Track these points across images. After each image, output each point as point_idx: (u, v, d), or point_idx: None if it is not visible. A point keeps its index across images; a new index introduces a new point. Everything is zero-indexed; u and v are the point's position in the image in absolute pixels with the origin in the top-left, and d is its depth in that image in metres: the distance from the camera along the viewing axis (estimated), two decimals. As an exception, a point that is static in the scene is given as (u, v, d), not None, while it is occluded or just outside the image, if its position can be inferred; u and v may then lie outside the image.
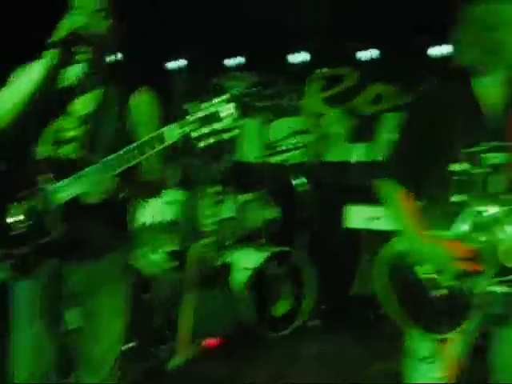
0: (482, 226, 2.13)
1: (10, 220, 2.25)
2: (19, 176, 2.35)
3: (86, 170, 2.20)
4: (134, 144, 2.19)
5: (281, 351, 4.37)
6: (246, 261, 4.60)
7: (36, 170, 2.29)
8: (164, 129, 2.16)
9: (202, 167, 4.80)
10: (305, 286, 4.77)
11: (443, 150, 2.19)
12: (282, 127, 5.86)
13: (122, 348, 3.81)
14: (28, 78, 2.22)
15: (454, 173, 2.18)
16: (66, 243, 2.25)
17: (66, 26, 2.25)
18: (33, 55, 2.31)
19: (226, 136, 2.14)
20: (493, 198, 2.15)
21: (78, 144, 2.33)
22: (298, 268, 4.78)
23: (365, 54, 5.82)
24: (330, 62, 6.02)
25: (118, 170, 2.19)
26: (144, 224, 4.56)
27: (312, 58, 6.05)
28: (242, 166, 5.78)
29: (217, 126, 2.11)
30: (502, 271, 2.10)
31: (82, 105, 2.38)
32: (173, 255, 4.70)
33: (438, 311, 2.17)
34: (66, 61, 2.26)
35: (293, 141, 5.33)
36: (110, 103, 2.38)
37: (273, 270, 4.66)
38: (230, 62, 6.32)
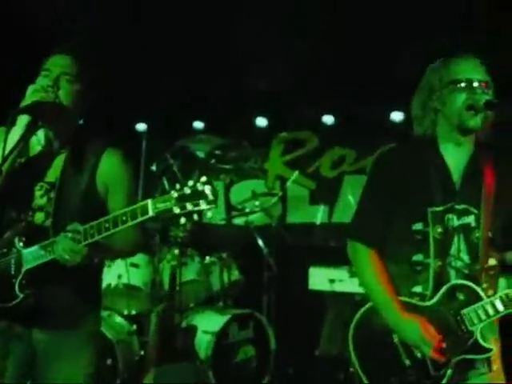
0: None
1: None
2: None
3: (57, 237, 2.19)
4: (110, 215, 2.17)
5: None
6: (207, 324, 4.56)
7: (10, 236, 2.30)
8: (146, 201, 2.12)
9: (165, 230, 4.80)
10: (268, 349, 4.74)
11: (405, 210, 2.22)
12: (244, 189, 5.94)
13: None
14: (2, 145, 2.21)
15: (416, 232, 2.21)
16: (32, 309, 2.24)
17: (30, 91, 2.26)
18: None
19: (208, 215, 2.09)
20: (453, 259, 2.17)
21: (47, 211, 2.33)
22: (261, 330, 4.75)
23: (325, 119, 5.99)
24: (291, 126, 6.17)
25: (89, 241, 2.17)
26: (108, 286, 4.52)
27: (274, 121, 6.20)
28: (205, 227, 5.79)
29: (203, 205, 2.06)
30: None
31: (50, 171, 2.38)
32: (134, 318, 4.65)
33: (403, 378, 2.16)
34: (32, 128, 2.27)
35: (256, 203, 5.37)
36: (76, 168, 2.37)
37: (236, 334, 4.63)
38: (194, 124, 6.41)
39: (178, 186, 2.08)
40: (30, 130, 2.27)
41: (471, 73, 2.21)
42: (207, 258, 5.02)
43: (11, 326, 2.32)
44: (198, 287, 4.85)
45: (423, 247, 2.19)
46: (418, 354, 2.14)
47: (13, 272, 2.23)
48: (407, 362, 2.15)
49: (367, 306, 2.25)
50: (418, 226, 2.20)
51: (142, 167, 6.49)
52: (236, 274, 5.06)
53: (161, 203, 2.09)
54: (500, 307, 2.12)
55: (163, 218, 2.17)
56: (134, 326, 4.56)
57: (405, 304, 2.18)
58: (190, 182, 2.07)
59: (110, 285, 4.55)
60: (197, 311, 4.76)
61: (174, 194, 2.07)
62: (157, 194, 5.80)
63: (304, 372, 4.99)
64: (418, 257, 2.21)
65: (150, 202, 2.11)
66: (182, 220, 2.07)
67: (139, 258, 4.66)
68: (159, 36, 5.15)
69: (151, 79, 5.70)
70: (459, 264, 2.18)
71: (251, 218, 5.27)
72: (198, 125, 6.40)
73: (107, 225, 2.15)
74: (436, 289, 2.18)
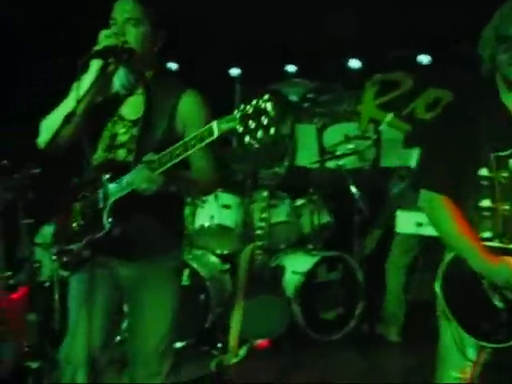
0: None
1: (68, 219, 2.43)
2: (77, 180, 2.55)
3: (133, 170, 2.32)
4: (181, 141, 2.26)
5: (331, 355, 4.41)
6: (297, 265, 4.66)
7: (92, 174, 2.45)
8: (212, 123, 2.17)
9: (256, 171, 4.89)
10: (357, 291, 4.79)
11: (470, 156, 2.20)
12: (337, 133, 5.88)
13: (177, 345, 3.98)
14: (78, 89, 2.33)
15: (482, 177, 2.19)
16: (119, 240, 2.39)
17: (101, 38, 2.36)
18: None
19: (271, 131, 2.08)
20: None
21: (129, 147, 2.45)
22: (350, 273, 4.80)
23: (420, 58, 5.78)
24: (385, 67, 6.00)
25: (163, 168, 2.26)
26: (201, 226, 4.70)
27: (368, 63, 6.05)
28: (297, 170, 5.83)
29: (264, 120, 2.06)
30: None
31: (131, 110, 2.49)
32: (226, 257, 4.83)
33: (497, 320, 2.15)
34: (108, 70, 2.37)
35: (348, 146, 5.33)
36: (157, 107, 2.46)
37: (324, 275, 4.70)
38: (286, 68, 6.38)
39: (241, 106, 2.11)
40: (103, 73, 2.36)
41: None
42: (298, 200, 5.08)
43: (100, 259, 2.46)
44: (288, 229, 4.94)
45: (489, 192, 2.19)
46: (510, 295, 2.14)
47: (101, 205, 2.38)
48: (500, 304, 2.15)
49: (452, 254, 2.23)
50: (484, 172, 2.19)
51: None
52: (326, 217, 5.10)
53: (225, 124, 2.14)
54: None
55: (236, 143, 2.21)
56: (227, 265, 4.75)
57: (490, 248, 2.17)
58: (253, 101, 2.09)
59: (203, 225, 4.73)
60: (286, 252, 4.87)
61: (238, 114, 2.11)
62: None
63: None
64: (485, 202, 2.20)
65: (215, 123, 2.16)
66: (247, 138, 2.10)
67: (231, 199, 4.80)
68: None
69: (244, 23, 5.71)
70: None
71: (343, 161, 5.24)
72: (291, 68, 6.37)
73: (178, 151, 2.24)
74: (506, 233, 2.16)
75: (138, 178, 2.29)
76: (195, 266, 4.46)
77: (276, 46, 5.93)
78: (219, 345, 4.31)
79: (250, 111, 2.08)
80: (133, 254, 2.47)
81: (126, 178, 2.35)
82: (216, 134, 2.15)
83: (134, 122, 2.46)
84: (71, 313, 2.55)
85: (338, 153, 5.29)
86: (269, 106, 2.06)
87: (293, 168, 5.77)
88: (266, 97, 2.08)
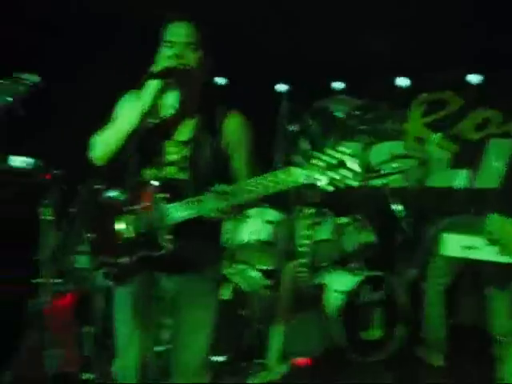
0: None
1: (119, 229, 2.47)
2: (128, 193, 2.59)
3: (205, 196, 2.38)
4: (259, 179, 2.33)
5: (369, 377, 4.37)
6: (339, 283, 4.64)
7: (141, 190, 2.51)
8: (296, 170, 2.27)
9: (299, 189, 4.90)
10: (399, 312, 4.74)
11: None
12: (383, 151, 5.85)
13: (217, 360, 4.01)
14: (135, 107, 2.45)
15: None
16: (170, 259, 2.45)
17: (161, 59, 2.46)
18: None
19: (349, 182, 2.23)
20: None
21: (179, 167, 2.54)
22: (393, 293, 4.75)
23: (470, 78, 5.72)
24: (433, 86, 5.95)
25: (237, 201, 2.35)
26: (243, 241, 4.73)
27: (415, 82, 6.02)
28: (341, 188, 5.81)
29: (343, 173, 2.21)
30: None
31: (181, 131, 2.58)
32: (268, 273, 4.83)
33: None
34: (163, 91, 2.47)
35: (394, 165, 5.30)
36: (207, 128, 2.57)
37: (367, 295, 4.67)
38: (333, 85, 6.40)
39: (323, 157, 2.21)
40: (161, 94, 2.47)
41: None
42: (341, 218, 5.07)
43: (152, 275, 2.54)
44: (331, 247, 4.92)
45: None
46: None
47: (157, 224, 2.43)
48: None
49: None
50: None
51: (281, 127, 6.62)
52: (369, 236, 5.06)
53: (308, 172, 2.24)
54: None
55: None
56: (269, 281, 4.76)
57: None
58: (337, 154, 2.20)
59: (246, 240, 4.75)
60: (328, 271, 4.85)
61: (320, 163, 2.21)
62: (294, 153, 5.92)
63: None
64: None
65: (299, 170, 2.26)
66: (329, 188, 2.23)
67: (274, 215, 4.81)
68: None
69: (292, 40, 5.75)
70: None
71: (389, 180, 5.22)
72: (338, 85, 6.38)
73: (255, 188, 2.32)
74: None
75: (209, 207, 2.37)
76: (237, 280, 4.48)
77: (323, 62, 5.95)
78: (258, 361, 4.33)
79: (333, 162, 2.21)
80: (180, 268, 2.54)
81: (192, 204, 2.40)
82: (301, 180, 2.26)
83: (185, 143, 2.56)
84: (120, 325, 2.62)
85: (383, 171, 5.26)
86: (351, 160, 2.22)
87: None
88: (349, 150, 2.23)
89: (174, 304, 2.63)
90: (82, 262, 4.42)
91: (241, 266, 4.74)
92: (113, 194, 2.62)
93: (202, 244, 2.57)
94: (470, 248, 4.05)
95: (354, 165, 2.21)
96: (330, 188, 2.21)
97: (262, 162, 2.66)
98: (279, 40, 5.74)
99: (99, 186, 2.60)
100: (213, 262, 2.69)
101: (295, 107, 6.19)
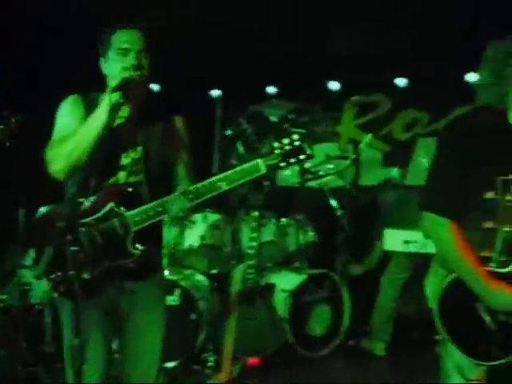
0: None
1: (79, 244, 2.43)
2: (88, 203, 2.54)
3: (170, 198, 2.42)
4: (221, 175, 2.41)
5: (319, 370, 4.52)
6: (285, 283, 4.77)
7: (100, 197, 2.50)
8: (257, 160, 2.39)
9: (244, 193, 4.99)
10: (342, 308, 4.92)
11: (476, 178, 2.25)
12: (318, 153, 6.03)
13: (169, 365, 4.02)
14: (97, 118, 2.42)
15: (487, 200, 2.25)
16: (136, 265, 2.47)
17: (117, 69, 2.45)
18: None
19: (307, 165, 2.43)
20: None
21: (130, 170, 2.54)
22: (336, 289, 4.93)
23: (397, 82, 5.99)
24: (364, 89, 6.20)
25: (202, 199, 2.42)
26: (190, 246, 4.77)
27: (347, 85, 6.25)
28: (281, 190, 5.96)
29: (302, 156, 2.41)
30: None
31: (132, 137, 2.57)
32: (215, 277, 4.90)
33: (491, 340, 2.23)
34: (121, 101, 2.46)
35: (329, 166, 5.49)
36: (151, 132, 2.60)
37: (312, 292, 4.82)
38: (267, 89, 6.53)
39: (278, 145, 2.39)
40: (120, 106, 2.46)
41: None
42: (283, 219, 5.20)
43: (120, 283, 2.54)
44: (275, 248, 5.04)
45: (494, 215, 2.23)
46: (503, 317, 2.22)
47: (121, 232, 2.44)
48: (493, 325, 2.23)
49: (452, 275, 2.29)
50: (489, 195, 2.24)
51: (216, 132, 6.70)
52: (311, 235, 5.21)
53: (269, 161, 2.40)
54: None
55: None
56: (215, 284, 4.83)
57: (488, 272, 2.24)
58: (286, 140, 2.39)
59: (192, 245, 4.80)
60: (274, 271, 4.97)
61: (278, 151, 2.39)
62: (231, 157, 6.00)
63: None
64: (489, 224, 2.25)
65: (260, 160, 2.40)
66: (287, 172, 2.38)
67: (219, 220, 4.89)
68: (235, 2, 5.24)
69: (225, 46, 5.83)
70: None
71: (325, 180, 5.40)
72: (272, 90, 6.52)
73: (220, 184, 2.40)
74: (503, 254, 2.23)
75: (175, 208, 2.40)
76: (185, 285, 4.51)
77: (256, 67, 6.06)
78: (210, 364, 4.39)
79: (289, 149, 2.39)
80: (142, 274, 2.55)
81: (152, 207, 2.43)
82: (264, 170, 2.40)
83: (133, 146, 2.56)
84: (90, 343, 2.48)
85: (320, 172, 5.43)
86: (305, 145, 2.40)
87: (274, 188, 5.89)
88: (298, 136, 2.39)
89: (128, 312, 2.59)
90: (26, 276, 4.36)
91: (188, 271, 4.79)
92: (44, 209, 2.58)
93: (156, 247, 2.64)
94: (410, 242, 4.30)
95: (307, 149, 2.40)
96: (287, 172, 2.37)
97: (200, 166, 2.70)
98: (212, 45, 5.80)
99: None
100: (160, 265, 2.75)
101: (230, 112, 6.28)
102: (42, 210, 2.58)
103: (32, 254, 4.08)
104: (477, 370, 2.27)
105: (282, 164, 2.40)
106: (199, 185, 2.41)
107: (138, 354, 2.61)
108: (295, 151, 2.40)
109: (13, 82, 4.93)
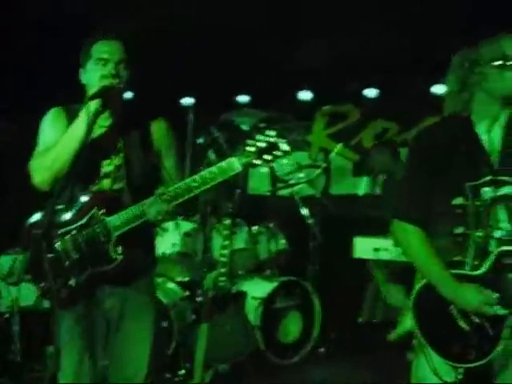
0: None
1: (62, 251, 2.45)
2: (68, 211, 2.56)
3: (148, 201, 2.42)
4: (196, 175, 2.40)
5: (290, 377, 4.55)
6: (256, 290, 4.79)
7: (85, 205, 2.52)
8: (232, 159, 2.37)
9: (215, 200, 5.01)
10: (312, 315, 4.96)
11: (445, 185, 2.31)
12: (289, 162, 6.09)
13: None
14: (78, 127, 2.45)
15: (456, 206, 2.29)
16: (119, 271, 2.47)
17: (96, 78, 2.48)
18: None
19: (284, 161, 2.41)
20: (493, 229, 2.26)
21: (113, 177, 2.56)
22: (306, 297, 4.97)
23: (367, 92, 6.09)
24: (334, 99, 6.28)
25: (181, 200, 2.41)
26: (162, 254, 4.77)
27: (318, 95, 6.32)
28: (253, 198, 6.00)
29: (277, 153, 2.36)
30: None
31: (114, 145, 2.60)
32: (187, 285, 4.90)
33: (466, 342, 2.26)
34: (102, 110, 2.49)
35: (301, 175, 5.54)
36: (132, 137, 2.61)
37: (282, 300, 4.86)
38: (238, 98, 6.57)
39: (253, 142, 2.36)
40: (100, 113, 2.48)
41: None
42: (254, 227, 5.23)
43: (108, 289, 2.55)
44: (247, 255, 5.07)
45: (464, 220, 2.28)
46: (477, 319, 2.26)
47: (102, 239, 2.45)
48: (467, 328, 2.27)
49: (424, 281, 2.33)
50: (458, 200, 2.28)
51: (188, 140, 6.70)
52: (282, 243, 5.26)
53: (244, 158, 2.37)
54: None
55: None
56: (187, 292, 4.83)
57: (456, 275, 2.29)
58: (261, 137, 2.36)
59: (164, 253, 4.80)
60: (245, 278, 5.00)
61: (253, 149, 2.35)
62: (202, 165, 6.02)
63: (347, 337, 5.22)
64: (459, 229, 2.30)
65: (235, 158, 2.37)
66: (263, 169, 2.35)
67: (191, 227, 4.90)
68: (206, 10, 5.28)
69: (197, 53, 5.85)
70: (499, 233, 2.27)
71: (296, 189, 5.44)
72: (243, 99, 6.57)
73: (196, 184, 2.40)
74: (475, 258, 2.28)
75: (153, 211, 2.40)
76: (157, 293, 4.49)
77: (228, 76, 6.11)
78: (182, 371, 4.38)
79: (264, 146, 2.35)
80: (127, 279, 2.56)
81: (132, 211, 2.44)
82: (239, 167, 2.37)
83: (115, 153, 2.58)
84: (71, 352, 2.52)
85: (291, 181, 5.49)
86: (281, 141, 2.36)
87: (245, 196, 5.93)
88: (273, 133, 2.36)
89: (116, 320, 2.58)
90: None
91: (160, 279, 4.78)
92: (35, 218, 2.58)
93: (143, 252, 2.62)
94: (380, 250, 4.36)
95: (283, 145, 2.37)
96: (264, 169, 2.35)
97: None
98: (184, 54, 5.82)
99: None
100: (151, 269, 2.74)
101: (202, 120, 6.29)
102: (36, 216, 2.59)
103: (4, 260, 4.09)
104: (453, 372, 2.30)
105: (258, 161, 2.36)
106: (175, 186, 2.42)
107: (125, 364, 2.61)
108: (270, 148, 2.35)
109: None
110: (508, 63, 2.29)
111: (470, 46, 2.39)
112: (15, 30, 4.90)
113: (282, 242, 5.26)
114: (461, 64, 2.36)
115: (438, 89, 5.57)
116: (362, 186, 6.06)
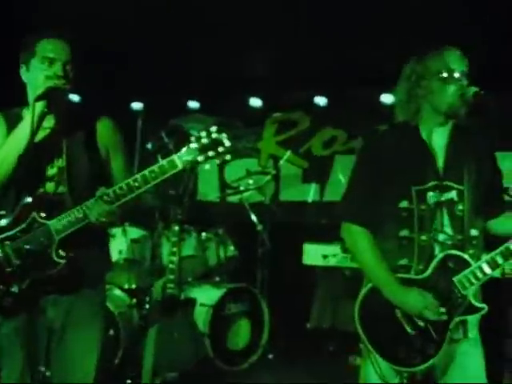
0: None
1: (2, 257, 2.38)
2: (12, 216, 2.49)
3: (88, 203, 2.36)
4: (137, 175, 2.36)
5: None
6: (205, 297, 4.76)
7: (24, 209, 2.44)
8: (173, 157, 2.33)
9: (163, 207, 4.96)
10: (261, 321, 4.96)
11: (391, 189, 2.38)
12: (238, 168, 6.10)
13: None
14: (23, 129, 2.39)
15: (402, 209, 2.37)
16: (64, 276, 2.40)
17: (41, 78, 2.42)
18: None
19: (228, 157, 2.36)
20: (437, 232, 2.34)
21: (57, 180, 2.50)
22: (255, 303, 4.97)
23: (317, 100, 6.15)
24: (284, 106, 6.32)
25: (123, 201, 2.36)
26: (109, 261, 4.68)
27: (268, 102, 6.35)
28: (201, 205, 5.96)
29: (221, 149, 2.32)
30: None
31: (52, 144, 2.53)
32: (133, 292, 4.82)
33: (411, 346, 2.30)
34: (45, 111, 2.43)
35: (250, 181, 5.55)
36: (77, 138, 2.55)
37: (231, 306, 4.84)
38: (188, 103, 6.54)
39: (195, 139, 2.33)
40: (44, 116, 2.44)
41: (459, 64, 2.38)
42: (203, 234, 5.20)
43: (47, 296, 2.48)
44: (196, 262, 5.03)
45: (409, 223, 2.35)
46: (421, 323, 2.31)
47: (45, 242, 2.38)
48: (411, 331, 2.32)
49: (370, 285, 2.38)
50: (404, 204, 2.36)
51: (137, 145, 6.62)
52: (231, 250, 5.24)
53: (186, 156, 2.33)
54: (487, 270, 2.31)
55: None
56: (134, 300, 4.75)
57: (401, 279, 2.34)
58: (204, 133, 2.33)
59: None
60: (194, 285, 4.96)
61: (196, 146, 2.32)
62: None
63: (295, 344, 5.24)
64: (404, 232, 2.36)
65: (175, 156, 2.34)
66: (207, 166, 2.30)
67: (139, 234, 4.83)
68: (155, 16, 5.24)
69: (147, 59, 5.80)
70: (442, 237, 2.35)
71: (245, 195, 5.44)
72: (193, 104, 6.54)
73: (137, 184, 2.35)
74: (420, 262, 2.35)
75: (94, 212, 2.34)
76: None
77: (178, 81, 6.07)
78: (129, 380, 4.31)
79: (207, 142, 2.31)
80: (74, 285, 2.49)
81: (73, 213, 2.38)
82: (180, 166, 2.32)
83: (58, 156, 2.52)
84: (11, 363, 2.46)
85: (240, 188, 5.48)
86: (223, 136, 2.32)
87: (193, 202, 5.89)
88: (216, 129, 2.33)
89: (60, 329, 2.52)
90: None
91: (106, 286, 4.68)
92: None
93: (92, 257, 2.54)
94: (328, 256, 4.40)
95: (225, 141, 2.33)
96: (207, 166, 2.31)
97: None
98: (134, 58, 5.77)
99: None
100: (99, 279, 2.67)
101: (151, 125, 6.23)
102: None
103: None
104: (399, 376, 2.35)
105: (200, 158, 2.32)
106: (116, 187, 2.37)
107: (69, 375, 2.53)
108: (213, 144, 2.32)
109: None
110: (452, 76, 2.37)
111: (419, 56, 2.46)
112: None
113: (231, 248, 5.25)
114: (409, 77, 2.44)
115: (386, 98, 5.68)
116: (311, 193, 6.11)
